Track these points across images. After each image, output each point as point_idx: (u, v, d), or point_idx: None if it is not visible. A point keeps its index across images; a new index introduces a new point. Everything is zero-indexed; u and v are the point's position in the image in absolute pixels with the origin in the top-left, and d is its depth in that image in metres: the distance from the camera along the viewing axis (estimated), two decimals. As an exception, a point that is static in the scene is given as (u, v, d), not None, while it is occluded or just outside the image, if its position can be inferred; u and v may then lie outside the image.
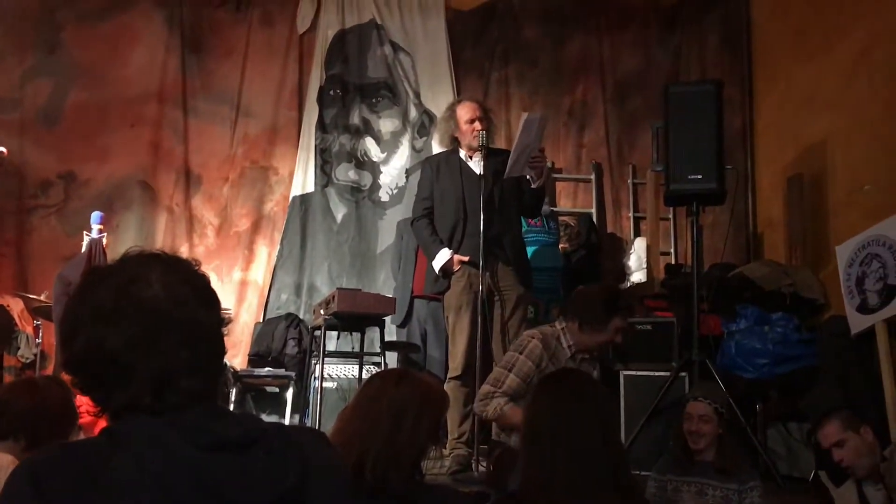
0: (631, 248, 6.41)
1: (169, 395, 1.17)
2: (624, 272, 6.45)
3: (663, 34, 6.96)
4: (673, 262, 6.40)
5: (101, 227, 5.18)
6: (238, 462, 1.15)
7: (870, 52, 5.01)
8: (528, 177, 4.07)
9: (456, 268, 4.07)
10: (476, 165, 4.12)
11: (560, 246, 5.85)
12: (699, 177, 4.33)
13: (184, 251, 6.39)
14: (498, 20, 6.98)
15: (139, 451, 1.11)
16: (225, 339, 1.28)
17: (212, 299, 1.25)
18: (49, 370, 5.47)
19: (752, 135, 6.70)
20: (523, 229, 4.88)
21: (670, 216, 6.65)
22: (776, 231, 6.15)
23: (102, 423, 1.22)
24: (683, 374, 4.18)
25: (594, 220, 6.64)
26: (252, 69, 6.76)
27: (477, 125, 4.12)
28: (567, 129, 6.93)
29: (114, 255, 5.53)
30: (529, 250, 4.79)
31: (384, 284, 6.37)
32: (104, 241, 5.12)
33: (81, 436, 2.58)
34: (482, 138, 4.08)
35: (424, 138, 6.82)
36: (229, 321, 1.28)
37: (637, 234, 6.72)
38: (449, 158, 4.25)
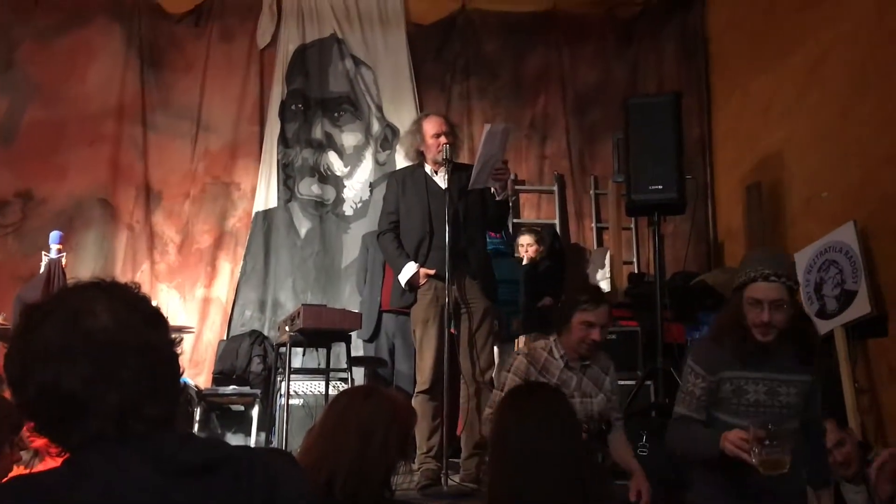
0: (596, 257, 6.46)
1: (133, 424, 1.15)
2: (588, 281, 6.50)
3: (621, 47, 7.06)
4: (636, 272, 6.47)
5: (59, 246, 5.07)
6: (205, 487, 1.13)
7: (824, 62, 5.14)
8: (492, 189, 4.08)
9: (422, 281, 4.06)
10: (441, 180, 4.13)
11: (526, 255, 5.87)
12: (660, 187, 4.39)
13: (145, 269, 6.32)
14: (458, 34, 7.02)
15: (104, 480, 1.08)
16: (179, 358, 1.26)
17: (160, 321, 1.24)
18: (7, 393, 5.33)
19: (710, 144, 6.82)
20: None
21: (632, 226, 6.73)
22: (736, 239, 6.26)
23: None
24: (649, 382, 4.21)
25: (557, 230, 6.69)
26: (212, 84, 6.72)
27: (442, 139, 4.13)
28: (529, 140, 6.99)
29: (73, 274, 5.44)
30: (494, 262, 4.81)
31: (350, 299, 6.34)
32: (63, 261, 5.01)
33: (37, 462, 2.50)
34: (447, 152, 4.08)
35: (388, 152, 6.82)
36: (180, 340, 1.27)
37: (600, 243, 6.79)
38: (414, 172, 4.25)
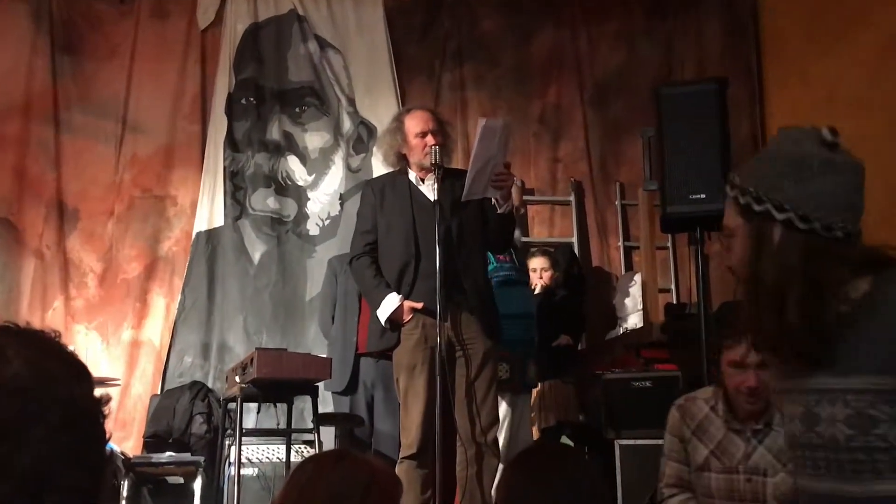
0: (630, 284, 6.46)
1: (49, 495, 1.14)
2: (614, 315, 6.50)
3: (651, 23, 7.12)
4: (674, 302, 6.47)
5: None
6: None
7: (899, 41, 5.18)
8: (492, 200, 4.08)
9: (407, 318, 4.04)
10: (429, 189, 4.12)
11: (537, 282, 5.86)
12: (702, 196, 4.38)
13: (57, 307, 6.29)
14: (448, 10, 7.07)
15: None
16: (106, 422, 1.26)
17: (84, 374, 1.25)
18: None
19: (762, 142, 6.85)
20: (490, 267, 4.87)
21: (669, 244, 6.73)
22: (798, 259, 6.27)
23: None
24: (693, 441, 4.19)
25: (576, 250, 6.69)
26: (142, 73, 6.73)
27: (429, 139, 4.12)
28: (538, 139, 7.01)
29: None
30: (498, 293, 4.79)
31: (316, 340, 6.31)
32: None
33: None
34: (435, 155, 4.07)
35: (362, 155, 6.83)
36: (108, 399, 1.27)
37: (629, 267, 6.79)
38: (396, 181, 4.24)
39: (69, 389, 1.20)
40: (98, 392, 1.27)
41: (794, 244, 1.72)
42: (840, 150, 1.76)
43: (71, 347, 1.28)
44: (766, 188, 1.76)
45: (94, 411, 1.23)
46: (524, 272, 5.60)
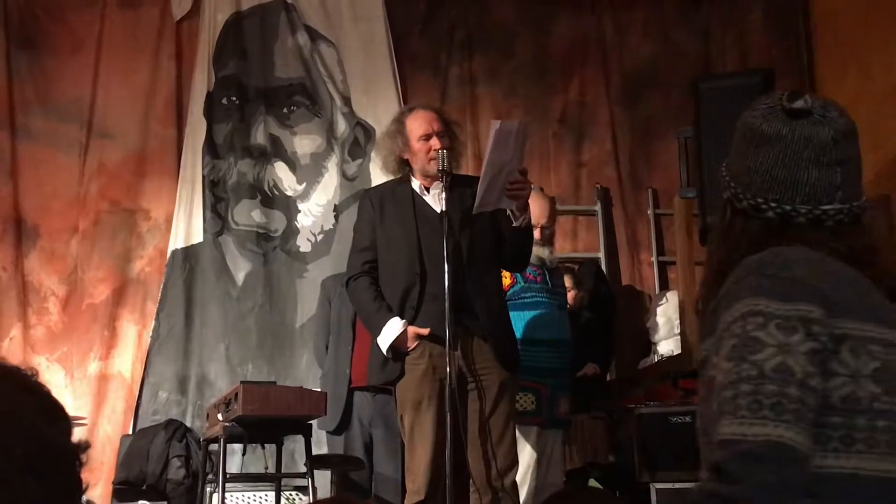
0: (658, 305, 6.46)
1: None
2: (648, 340, 6.49)
3: (687, 9, 7.15)
4: (716, 325, 6.46)
5: None
6: None
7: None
8: (507, 211, 4.11)
9: (411, 345, 4.06)
10: (435, 200, 4.15)
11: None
12: (746, 204, 4.40)
13: (15, 336, 6.33)
14: (456, -5, 7.13)
15: None
16: (82, 470, 1.29)
17: (59, 414, 1.27)
18: None
19: (815, 142, 6.86)
20: (517, 287, 4.89)
21: (709, 260, 6.74)
22: (858, 274, 6.26)
23: None
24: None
25: (603, 267, 6.70)
26: (109, 71, 6.78)
27: (435, 142, 4.16)
28: (559, 141, 7.04)
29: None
30: (526, 316, 4.79)
31: (308, 372, 6.34)
32: None
33: None
34: (442, 160, 4.11)
35: (359, 161, 6.86)
36: (88, 446, 1.29)
37: (664, 285, 6.79)
38: (397, 191, 4.27)
39: (39, 430, 1.22)
40: (76, 436, 1.29)
41: (735, 225, 1.81)
42: (794, 118, 1.79)
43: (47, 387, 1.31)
44: (725, 167, 1.89)
45: (66, 458, 1.25)
46: (557, 293, 5.61)
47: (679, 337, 6.16)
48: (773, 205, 1.74)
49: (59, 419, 1.26)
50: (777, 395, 1.53)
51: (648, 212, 6.93)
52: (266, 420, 4.51)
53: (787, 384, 1.54)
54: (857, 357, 1.60)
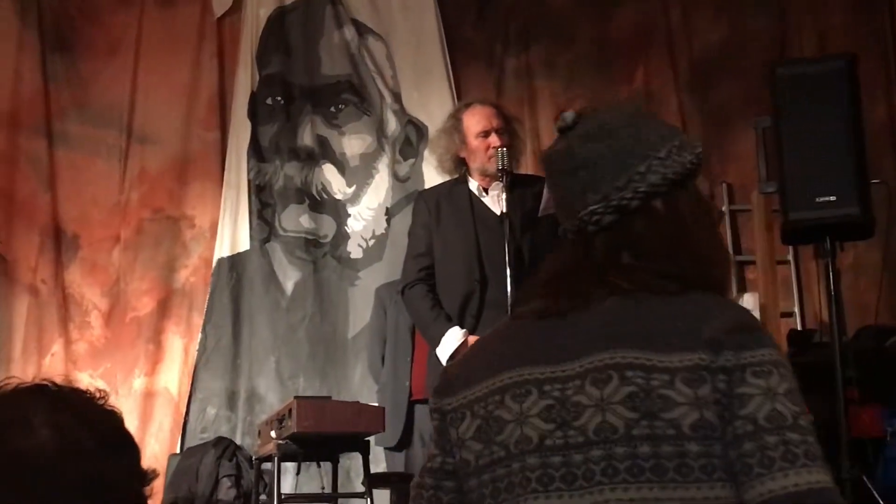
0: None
1: None
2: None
3: (760, -11, 7.06)
4: (799, 328, 6.38)
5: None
6: None
7: None
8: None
9: (473, 356, 4.06)
10: (494, 201, 4.15)
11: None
12: (832, 198, 4.33)
13: (56, 352, 6.42)
14: (510, -20, 7.11)
15: None
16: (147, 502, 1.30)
17: (123, 444, 1.28)
18: None
19: (903, 130, 6.75)
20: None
21: (790, 258, 6.65)
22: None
23: None
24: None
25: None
26: (148, 73, 6.87)
27: (494, 140, 4.15)
28: (625, 135, 6.99)
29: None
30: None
31: (362, 386, 6.35)
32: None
33: None
34: (502, 159, 4.09)
35: (411, 161, 6.87)
36: (153, 476, 1.30)
37: (742, 287, 6.72)
38: (453, 192, 4.27)
39: (97, 466, 1.22)
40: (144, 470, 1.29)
41: None
42: (563, 137, 1.80)
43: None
44: None
45: (129, 493, 1.26)
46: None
47: (759, 342, 6.08)
48: (563, 227, 1.81)
49: (121, 451, 1.26)
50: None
51: (723, 208, 6.85)
52: (322, 437, 4.54)
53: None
54: None
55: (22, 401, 1.26)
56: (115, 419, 1.30)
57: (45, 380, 1.29)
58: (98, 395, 1.31)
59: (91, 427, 1.25)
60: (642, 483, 1.45)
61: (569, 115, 1.75)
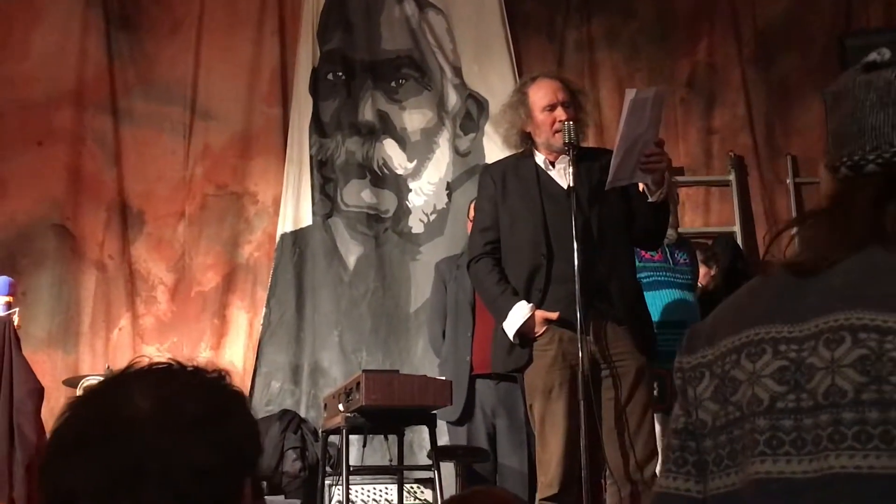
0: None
1: None
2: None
3: (825, -45, 6.98)
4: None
5: (8, 298, 5.26)
6: None
7: None
8: (640, 187, 4.08)
9: (540, 330, 4.07)
10: (561, 175, 4.14)
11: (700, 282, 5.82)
12: (902, 170, 4.31)
13: (124, 325, 6.53)
14: (571, -49, 7.07)
15: None
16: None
17: (224, 434, 1.29)
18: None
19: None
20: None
21: (858, 231, 6.60)
22: None
23: None
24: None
25: (739, 241, 6.61)
26: (211, 50, 6.93)
27: (560, 113, 4.14)
28: (687, 107, 6.95)
29: (26, 337, 5.60)
30: (647, 297, 4.76)
31: (424, 360, 6.40)
32: (15, 319, 5.19)
33: None
34: (569, 132, 4.08)
35: (472, 136, 6.88)
36: (262, 479, 1.35)
37: (806, 260, 6.67)
38: (520, 166, 4.27)
39: (186, 449, 1.24)
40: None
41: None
42: (866, 72, 1.74)
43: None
44: None
45: (220, 487, 1.27)
46: (680, 272, 5.56)
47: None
48: (845, 160, 1.73)
49: (221, 440, 1.28)
50: None
51: (788, 181, 6.80)
52: (390, 410, 4.56)
53: None
54: None
55: (133, 374, 1.31)
56: (231, 400, 1.33)
57: (171, 359, 1.34)
58: (222, 373, 1.35)
59: (196, 403, 1.28)
60: (869, 451, 1.40)
61: (885, 52, 1.73)
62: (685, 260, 5.65)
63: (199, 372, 1.33)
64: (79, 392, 4.51)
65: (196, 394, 1.29)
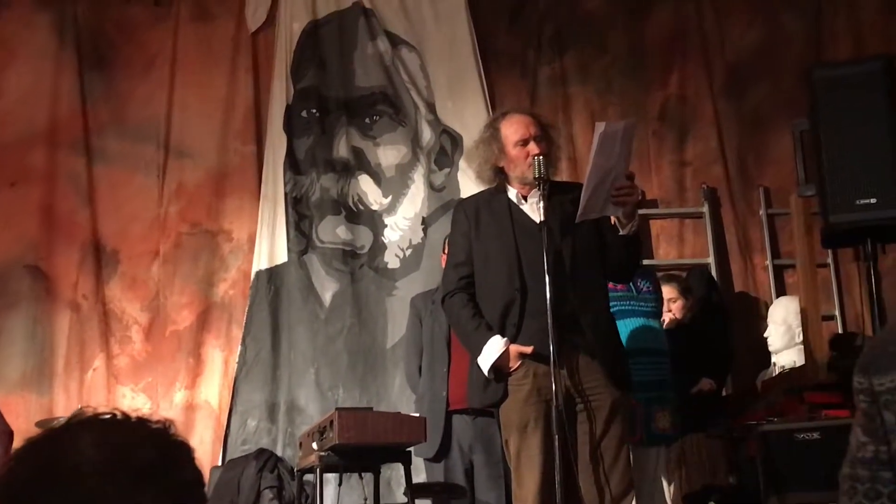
0: (775, 312, 6.36)
1: None
2: (766, 351, 6.39)
3: (793, -12, 7.04)
4: (841, 332, 6.34)
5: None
6: None
7: None
8: (612, 220, 4.08)
9: (514, 365, 4.05)
10: (533, 209, 4.13)
11: (666, 315, 5.82)
12: (872, 200, 4.31)
13: (98, 366, 6.47)
14: (544, -13, 7.12)
15: None
16: None
17: (170, 483, 1.28)
18: None
19: (942, 129, 6.70)
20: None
21: (830, 261, 6.61)
22: None
23: None
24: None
25: (713, 272, 6.62)
26: (184, 88, 6.94)
27: (532, 148, 4.14)
28: (660, 140, 6.98)
29: (0, 379, 5.53)
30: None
31: (401, 396, 6.38)
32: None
33: None
34: (539, 167, 4.09)
35: (447, 171, 6.89)
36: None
37: (781, 291, 6.68)
38: (493, 201, 4.26)
39: (131, 496, 1.25)
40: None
41: None
42: None
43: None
44: None
45: None
46: (644, 300, 5.58)
47: (801, 346, 6.05)
48: None
49: (155, 479, 1.28)
50: None
51: (761, 212, 6.83)
52: (364, 448, 4.55)
53: None
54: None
55: (77, 424, 1.29)
56: (174, 449, 1.32)
57: (115, 409, 1.33)
58: (165, 424, 1.34)
59: (141, 451, 1.27)
60: None
61: None
62: (648, 288, 5.67)
63: (144, 422, 1.32)
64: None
65: (142, 443, 1.28)
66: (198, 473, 1.35)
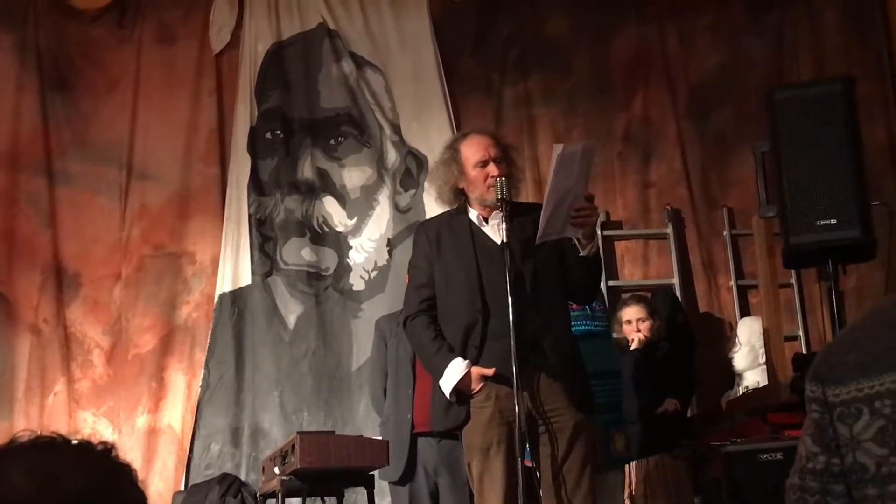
0: (740, 333, 6.38)
1: None
2: (730, 372, 6.41)
3: (755, 13, 7.08)
4: (804, 352, 6.36)
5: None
6: None
7: None
8: (573, 240, 4.08)
9: (476, 387, 4.04)
10: (494, 230, 4.13)
11: (633, 336, 5.83)
12: (832, 221, 4.36)
13: (59, 391, 6.40)
14: (507, 10, 7.14)
15: None
16: None
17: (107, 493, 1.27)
18: None
19: (903, 151, 6.76)
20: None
21: (793, 282, 6.65)
22: (956, 292, 6.14)
23: None
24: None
25: (678, 293, 6.64)
26: (148, 110, 6.90)
27: (492, 169, 4.14)
28: (624, 161, 7.00)
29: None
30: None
31: (367, 419, 6.34)
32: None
33: None
34: (501, 188, 4.09)
35: (412, 192, 6.88)
36: None
37: (745, 311, 6.70)
38: (453, 222, 4.25)
39: None
40: None
41: None
42: None
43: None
44: None
45: None
46: (597, 319, 5.59)
47: (765, 367, 6.07)
48: None
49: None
50: None
51: (724, 233, 6.86)
52: (326, 472, 4.52)
53: None
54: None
55: (10, 451, 1.26)
56: (113, 474, 1.30)
57: (53, 433, 1.31)
58: (105, 447, 1.32)
59: (78, 479, 1.24)
60: None
61: None
62: (601, 307, 5.68)
63: (84, 446, 1.29)
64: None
65: (76, 470, 1.25)
66: (140, 497, 1.33)
